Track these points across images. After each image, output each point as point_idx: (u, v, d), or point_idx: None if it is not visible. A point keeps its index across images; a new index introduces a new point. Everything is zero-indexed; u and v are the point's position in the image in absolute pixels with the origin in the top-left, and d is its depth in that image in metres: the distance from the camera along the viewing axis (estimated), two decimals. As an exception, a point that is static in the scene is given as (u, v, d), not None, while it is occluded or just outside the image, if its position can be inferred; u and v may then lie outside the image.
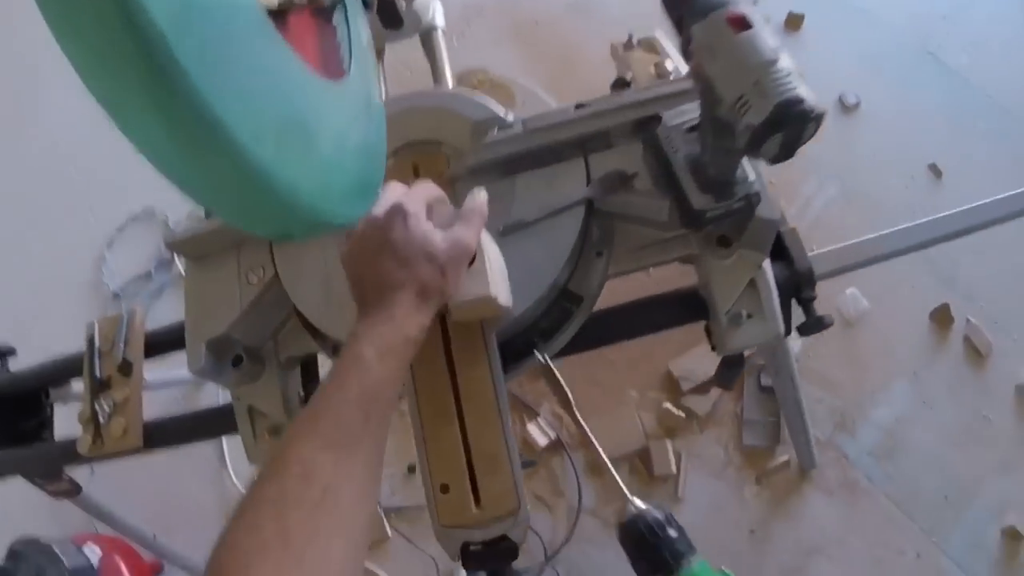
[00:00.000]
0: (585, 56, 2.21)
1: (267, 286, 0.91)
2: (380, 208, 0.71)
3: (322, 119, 0.56)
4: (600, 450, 0.71)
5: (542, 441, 1.70)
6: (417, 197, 0.73)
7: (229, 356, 0.93)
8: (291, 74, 0.53)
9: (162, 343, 1.16)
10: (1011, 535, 1.60)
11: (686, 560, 0.66)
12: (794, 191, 1.94)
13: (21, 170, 2.49)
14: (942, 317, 1.78)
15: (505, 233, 0.82)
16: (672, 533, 0.66)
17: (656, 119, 0.84)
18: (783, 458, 1.65)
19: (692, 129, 0.82)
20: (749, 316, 0.88)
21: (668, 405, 1.70)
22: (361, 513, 0.62)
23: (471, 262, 0.73)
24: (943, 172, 1.93)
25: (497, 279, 0.74)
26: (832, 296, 1.79)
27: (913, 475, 1.67)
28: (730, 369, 0.99)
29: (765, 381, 1.69)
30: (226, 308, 0.92)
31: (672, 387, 1.75)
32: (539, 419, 1.73)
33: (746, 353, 0.99)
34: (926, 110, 2.02)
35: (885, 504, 1.65)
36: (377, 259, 0.70)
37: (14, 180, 2.46)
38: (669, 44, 1.09)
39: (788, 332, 0.92)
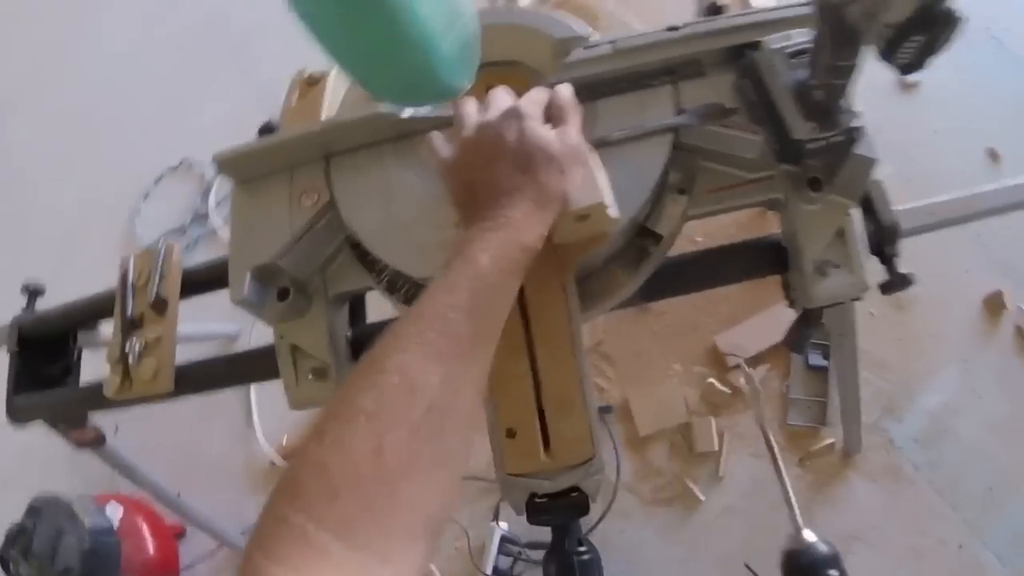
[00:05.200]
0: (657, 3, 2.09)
1: (321, 210, 0.83)
2: (493, 113, 0.65)
3: None
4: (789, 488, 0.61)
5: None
6: (531, 100, 0.67)
7: (274, 288, 0.86)
8: None
9: (200, 282, 1.10)
10: None
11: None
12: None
13: (61, 115, 2.43)
14: (994, 304, 1.69)
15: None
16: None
17: (755, 45, 0.76)
18: (828, 440, 1.57)
19: (795, 55, 0.74)
20: (836, 266, 0.80)
21: (713, 380, 1.63)
22: (465, 443, 0.54)
23: None
24: (1000, 157, 1.84)
25: (606, 187, 0.67)
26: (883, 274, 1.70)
27: (957, 464, 1.59)
28: (805, 329, 0.91)
29: (813, 360, 1.61)
30: (275, 234, 0.84)
31: (718, 362, 1.67)
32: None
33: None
34: (986, 94, 1.92)
35: (928, 493, 1.57)
36: (492, 164, 0.63)
37: (54, 124, 2.40)
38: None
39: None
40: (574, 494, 0.68)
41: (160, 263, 1.08)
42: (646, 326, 1.72)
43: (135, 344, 1.03)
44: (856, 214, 0.82)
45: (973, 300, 1.70)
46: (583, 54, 0.77)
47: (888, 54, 0.57)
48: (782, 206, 0.81)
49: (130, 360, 1.02)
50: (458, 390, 0.52)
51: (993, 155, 1.85)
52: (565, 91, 0.70)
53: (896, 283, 0.88)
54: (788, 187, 0.80)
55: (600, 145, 0.75)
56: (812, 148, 0.72)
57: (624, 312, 1.72)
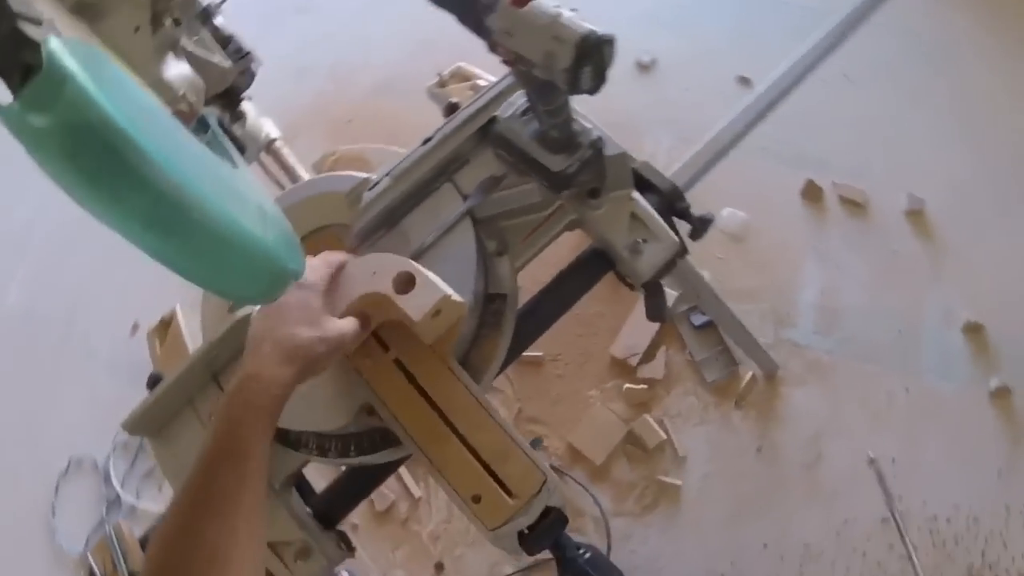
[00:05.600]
0: (408, 126, 2.34)
1: (235, 423, 0.97)
2: None
3: (246, 189, 0.66)
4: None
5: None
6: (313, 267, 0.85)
7: (229, 506, 0.98)
8: (210, 156, 0.63)
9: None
10: (972, 329, 1.79)
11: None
12: (637, 154, 2.12)
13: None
14: (811, 191, 1.98)
15: (414, 263, 0.91)
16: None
17: (493, 120, 0.97)
18: (748, 376, 1.78)
19: (524, 112, 0.95)
20: (644, 241, 1.00)
21: (628, 385, 1.81)
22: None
23: (411, 286, 0.83)
24: (750, 79, 2.16)
25: (440, 282, 0.84)
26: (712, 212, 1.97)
27: (860, 330, 1.83)
28: (655, 299, 1.11)
29: (696, 320, 1.83)
30: (205, 463, 0.97)
31: (623, 369, 1.85)
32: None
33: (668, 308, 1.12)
34: (713, 36, 2.27)
35: (853, 366, 1.80)
36: None
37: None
38: (474, 68, 1.23)
39: (684, 247, 1.05)
40: (551, 514, 0.83)
41: (117, 546, 1.18)
42: (550, 374, 1.89)
43: (136, 626, 1.13)
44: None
45: (793, 199, 1.99)
46: (371, 194, 0.96)
47: (573, 88, 0.78)
48: (581, 222, 1.02)
49: (140, 644, 1.11)
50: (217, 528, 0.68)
51: (744, 80, 2.16)
52: (331, 256, 0.89)
53: (699, 228, 1.10)
54: (577, 206, 1.01)
55: (419, 254, 0.93)
56: (572, 172, 0.93)
57: (526, 373, 1.89)
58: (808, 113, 2.05)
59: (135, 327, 2.30)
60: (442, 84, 1.26)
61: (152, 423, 1.02)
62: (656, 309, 1.13)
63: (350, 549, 1.03)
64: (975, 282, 1.87)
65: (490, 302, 0.97)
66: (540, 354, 1.87)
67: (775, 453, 1.75)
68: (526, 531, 0.83)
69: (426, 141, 0.99)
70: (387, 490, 1.80)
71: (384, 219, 0.97)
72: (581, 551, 0.84)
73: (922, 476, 1.67)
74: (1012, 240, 1.95)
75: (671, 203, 1.09)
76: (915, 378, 1.77)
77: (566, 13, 0.74)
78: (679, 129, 2.14)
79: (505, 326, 0.97)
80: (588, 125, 0.96)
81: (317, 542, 0.98)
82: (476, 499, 0.83)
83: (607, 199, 1.01)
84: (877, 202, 1.98)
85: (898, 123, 2.14)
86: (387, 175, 0.97)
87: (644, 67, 2.25)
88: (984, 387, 1.74)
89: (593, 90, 0.80)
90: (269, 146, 1.10)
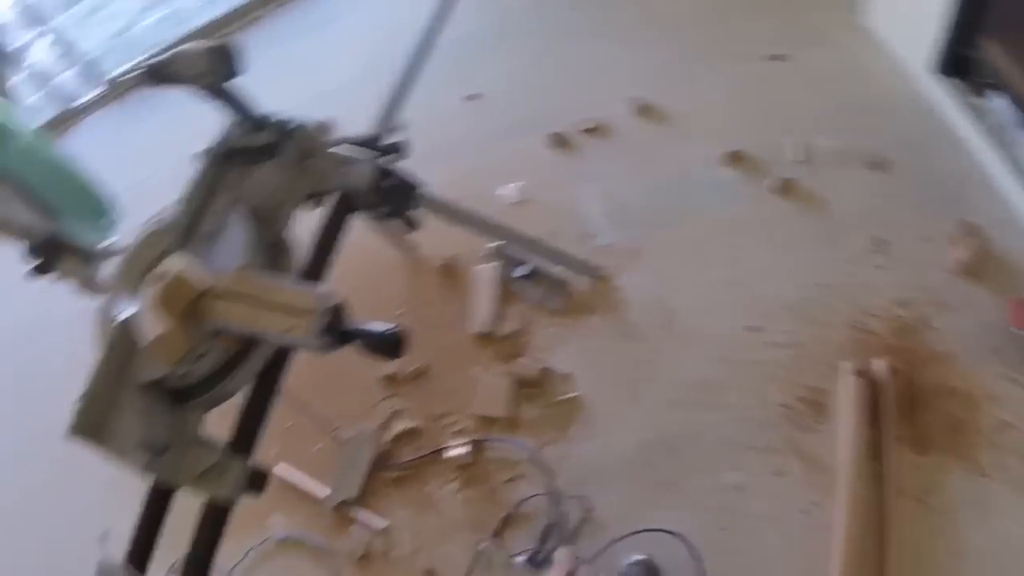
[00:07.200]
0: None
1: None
2: None
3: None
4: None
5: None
6: None
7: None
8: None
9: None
10: (733, 158, 2.31)
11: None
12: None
13: None
14: (556, 140, 2.62)
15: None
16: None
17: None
18: (582, 287, 2.25)
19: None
20: (350, 165, 1.49)
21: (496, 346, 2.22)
22: None
23: None
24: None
25: None
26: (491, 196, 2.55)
27: (646, 209, 2.35)
28: (398, 202, 1.59)
29: (517, 273, 2.29)
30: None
31: (488, 340, 2.25)
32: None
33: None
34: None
35: (654, 236, 2.28)
36: None
37: None
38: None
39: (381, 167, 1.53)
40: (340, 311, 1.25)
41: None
42: (434, 377, 2.27)
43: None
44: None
45: (544, 152, 2.61)
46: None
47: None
48: (318, 178, 1.49)
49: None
50: None
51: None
52: None
53: (397, 151, 1.60)
54: (300, 169, 1.49)
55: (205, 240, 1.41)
56: (275, 140, 1.43)
57: (420, 386, 2.25)
58: (516, 86, 2.77)
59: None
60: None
61: (89, 424, 1.20)
62: (406, 218, 1.60)
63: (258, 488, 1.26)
64: (713, 125, 2.46)
65: (274, 247, 1.41)
66: (419, 365, 2.24)
67: (636, 330, 2.15)
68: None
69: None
70: (356, 534, 2.04)
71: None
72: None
73: (765, 278, 2.11)
74: (717, 81, 2.60)
75: (371, 146, 1.59)
76: (706, 216, 2.28)
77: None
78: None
79: (286, 260, 1.39)
80: (279, 113, 1.46)
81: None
82: (288, 330, 1.15)
83: (319, 157, 1.49)
84: (610, 119, 2.60)
85: (583, 58, 2.85)
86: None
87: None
88: (766, 193, 2.24)
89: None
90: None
